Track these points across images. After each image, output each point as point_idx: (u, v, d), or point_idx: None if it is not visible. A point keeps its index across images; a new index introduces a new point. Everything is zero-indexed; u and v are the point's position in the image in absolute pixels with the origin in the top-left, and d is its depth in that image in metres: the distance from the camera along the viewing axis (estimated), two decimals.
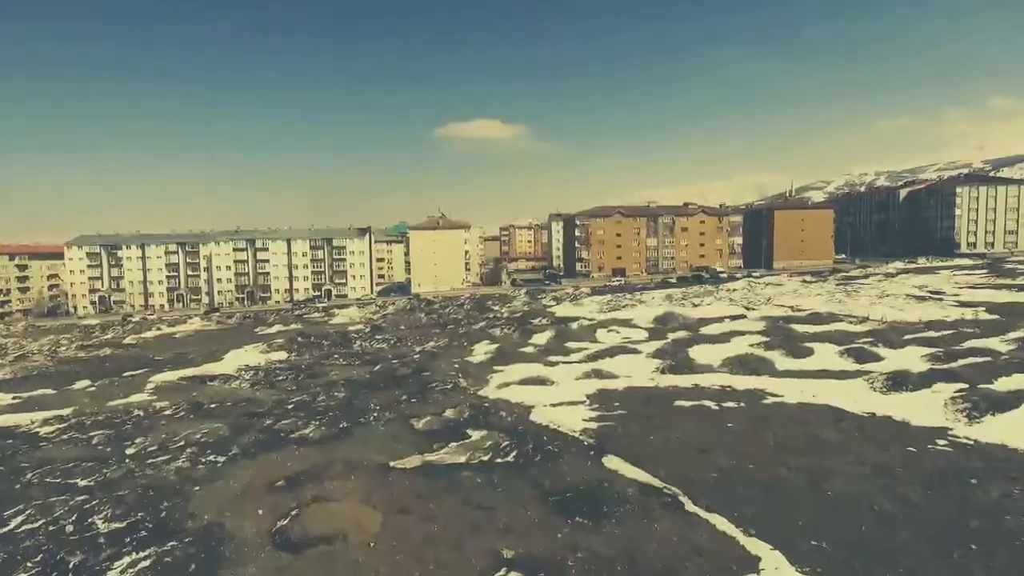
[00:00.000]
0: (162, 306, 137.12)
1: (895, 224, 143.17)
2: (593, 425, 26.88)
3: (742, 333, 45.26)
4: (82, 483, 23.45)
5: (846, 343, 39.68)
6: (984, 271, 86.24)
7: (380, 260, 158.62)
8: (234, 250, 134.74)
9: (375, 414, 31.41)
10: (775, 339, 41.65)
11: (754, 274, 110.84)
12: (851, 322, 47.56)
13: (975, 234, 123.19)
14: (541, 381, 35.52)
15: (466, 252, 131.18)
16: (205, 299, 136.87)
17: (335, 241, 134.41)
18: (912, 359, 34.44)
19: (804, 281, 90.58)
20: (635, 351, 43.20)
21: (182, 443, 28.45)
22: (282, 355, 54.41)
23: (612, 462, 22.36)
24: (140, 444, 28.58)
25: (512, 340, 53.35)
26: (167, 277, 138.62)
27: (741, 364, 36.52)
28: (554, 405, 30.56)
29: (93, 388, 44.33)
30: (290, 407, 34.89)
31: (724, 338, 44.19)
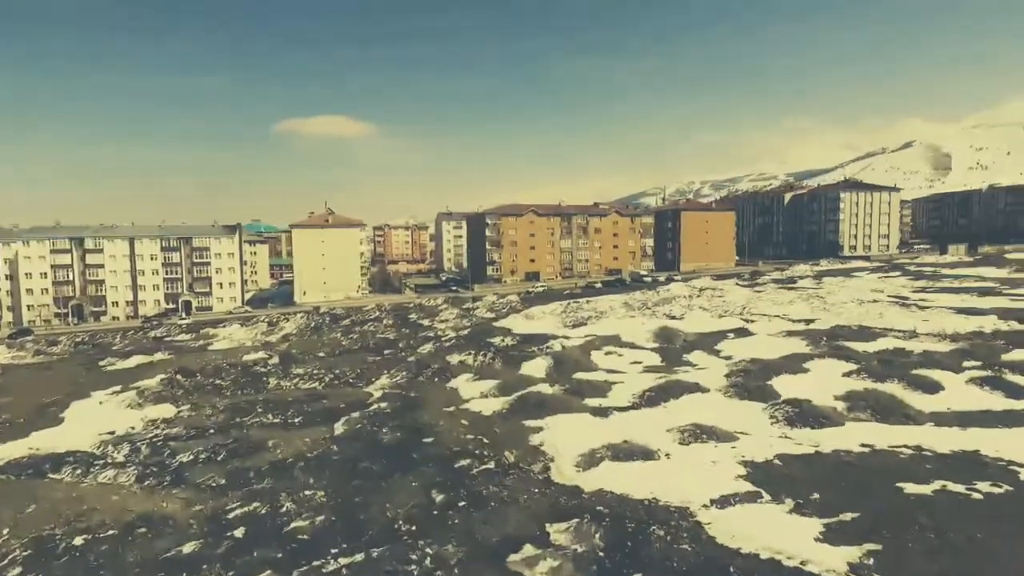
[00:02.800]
0: None
1: (779, 227, 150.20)
2: (849, 553, 15.91)
3: (808, 356, 37.14)
4: None
5: (952, 367, 32.97)
6: (897, 274, 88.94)
7: (243, 264, 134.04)
8: (52, 252, 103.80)
9: (424, 545, 17.71)
10: (865, 366, 33.91)
11: (675, 277, 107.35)
12: (898, 336, 41.72)
13: (855, 237, 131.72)
14: (644, 453, 23.79)
15: (361, 255, 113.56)
16: (8, 317, 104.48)
17: (195, 241, 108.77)
18: None
19: (739, 284, 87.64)
20: (697, 387, 33.04)
21: None
22: (167, 410, 36.67)
23: None
24: None
25: (500, 372, 40.78)
26: None
27: (875, 406, 27.86)
28: (721, 505, 19.18)
29: None
30: (239, 534, 19.74)
31: (794, 366, 35.59)
